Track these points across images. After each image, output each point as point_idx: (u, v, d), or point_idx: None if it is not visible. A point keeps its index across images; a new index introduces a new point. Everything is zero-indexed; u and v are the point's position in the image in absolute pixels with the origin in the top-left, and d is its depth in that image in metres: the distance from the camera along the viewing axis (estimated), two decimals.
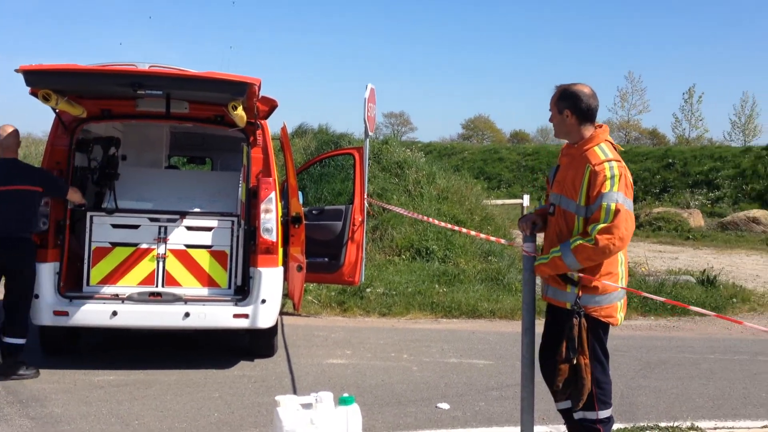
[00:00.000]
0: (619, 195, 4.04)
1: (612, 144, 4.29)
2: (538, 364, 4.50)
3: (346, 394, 3.99)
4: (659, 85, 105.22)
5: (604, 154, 4.19)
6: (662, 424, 5.43)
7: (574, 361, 4.14)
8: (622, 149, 4.45)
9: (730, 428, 5.58)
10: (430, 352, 7.99)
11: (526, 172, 40.59)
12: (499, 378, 7.00)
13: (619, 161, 4.17)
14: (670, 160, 34.04)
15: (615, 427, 5.47)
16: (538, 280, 4.49)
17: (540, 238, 4.48)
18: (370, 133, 10.88)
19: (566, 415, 4.54)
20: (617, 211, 4.00)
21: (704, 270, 13.00)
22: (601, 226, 4.00)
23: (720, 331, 9.87)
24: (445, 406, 6.06)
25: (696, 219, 24.79)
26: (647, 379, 7.19)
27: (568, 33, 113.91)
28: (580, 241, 4.05)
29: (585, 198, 4.12)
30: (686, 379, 7.23)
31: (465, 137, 77.15)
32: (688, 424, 5.54)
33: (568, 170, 4.28)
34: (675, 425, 5.41)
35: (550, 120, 4.38)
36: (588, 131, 4.26)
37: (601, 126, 4.30)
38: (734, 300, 11.54)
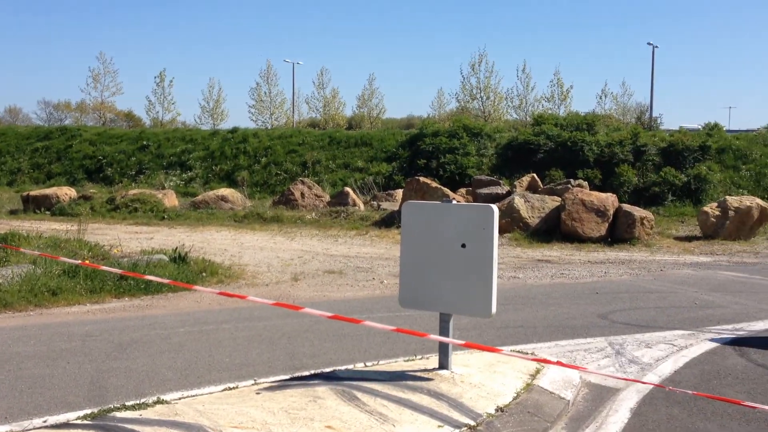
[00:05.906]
0: None
1: None
2: None
3: None
4: (132, 68, 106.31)
5: None
6: (129, 402, 5.52)
7: None
8: None
9: (194, 396, 5.89)
10: None
11: None
12: None
13: None
14: (145, 142, 34.65)
15: (81, 412, 5.43)
16: None
17: None
18: None
19: None
20: None
21: (176, 248, 13.56)
22: None
23: (190, 305, 10.41)
24: None
25: (171, 199, 25.69)
26: (118, 361, 7.24)
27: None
28: None
29: None
30: (156, 355, 7.48)
31: None
32: (155, 398, 5.72)
33: None
34: (142, 402, 5.53)
35: None
36: None
37: None
38: (204, 274, 12.30)
